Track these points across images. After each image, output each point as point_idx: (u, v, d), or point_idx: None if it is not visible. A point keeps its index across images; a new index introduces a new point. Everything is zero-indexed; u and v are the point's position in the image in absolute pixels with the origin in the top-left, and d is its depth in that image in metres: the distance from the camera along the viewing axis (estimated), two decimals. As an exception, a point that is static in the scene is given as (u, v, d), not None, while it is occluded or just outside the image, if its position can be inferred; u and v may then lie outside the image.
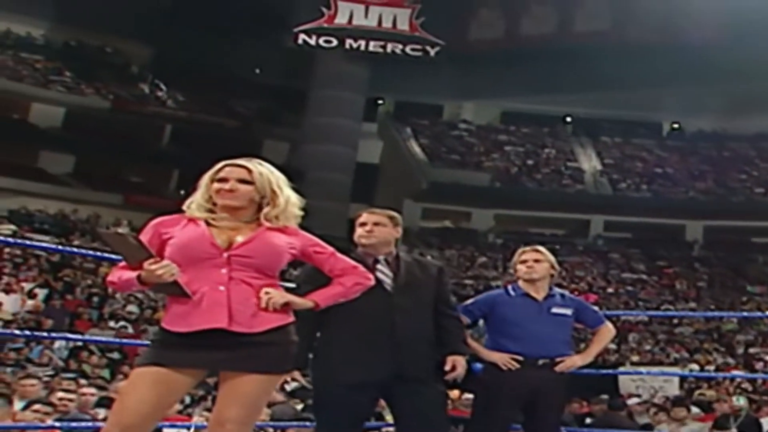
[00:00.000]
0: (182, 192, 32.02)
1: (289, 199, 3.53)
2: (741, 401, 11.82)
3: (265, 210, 3.47)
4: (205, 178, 3.50)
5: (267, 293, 3.32)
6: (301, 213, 3.57)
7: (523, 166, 36.65)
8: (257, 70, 37.09)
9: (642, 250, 34.18)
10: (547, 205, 34.15)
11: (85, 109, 31.76)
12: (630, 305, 27.75)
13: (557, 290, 5.46)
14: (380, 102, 38.25)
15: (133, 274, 3.27)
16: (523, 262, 5.31)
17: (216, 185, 3.45)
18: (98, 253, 7.53)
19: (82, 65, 33.30)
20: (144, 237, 3.40)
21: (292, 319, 3.44)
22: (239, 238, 3.37)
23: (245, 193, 3.45)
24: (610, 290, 29.92)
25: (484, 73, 35.03)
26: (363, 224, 4.65)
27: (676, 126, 39.24)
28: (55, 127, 31.48)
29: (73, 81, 32.70)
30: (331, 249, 3.59)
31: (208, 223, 3.42)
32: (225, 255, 3.33)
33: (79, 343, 15.16)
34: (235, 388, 3.29)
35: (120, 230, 3.17)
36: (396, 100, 38.75)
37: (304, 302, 3.43)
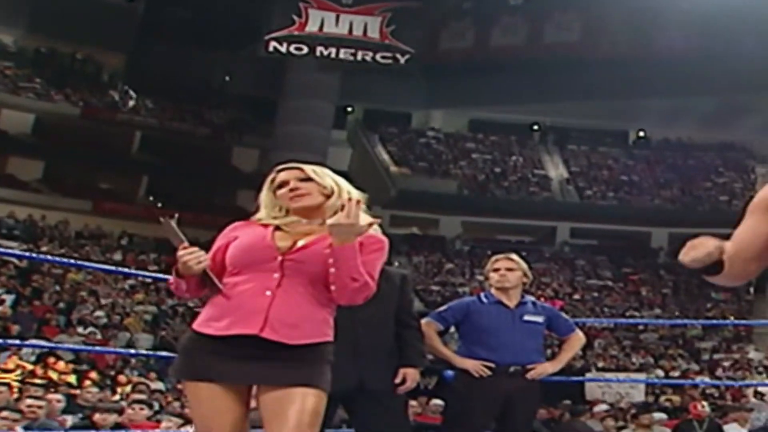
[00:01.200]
0: (151, 198, 32.22)
1: (351, 193, 3.28)
2: (707, 408, 12.11)
3: (329, 203, 3.27)
4: (264, 192, 3.35)
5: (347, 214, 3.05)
6: (365, 208, 3.27)
7: (490, 174, 36.86)
8: (227, 78, 37.18)
9: (608, 257, 34.59)
10: (514, 212, 34.37)
11: (54, 116, 31.67)
12: (596, 311, 28.13)
13: (529, 298, 5.50)
14: (349, 110, 38.39)
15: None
16: (496, 270, 5.36)
17: (281, 192, 3.28)
18: (65, 260, 7.66)
19: (52, 72, 33.21)
20: (219, 242, 3.30)
21: (330, 338, 3.21)
22: (301, 242, 3.16)
23: (312, 189, 3.26)
24: (576, 297, 30.23)
25: (452, 82, 35.23)
26: None
27: (641, 135, 39.65)
28: (25, 134, 31.36)
29: (43, 88, 32.56)
30: (378, 249, 3.27)
31: (278, 228, 3.25)
32: (279, 259, 3.12)
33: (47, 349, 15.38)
34: (276, 408, 3.05)
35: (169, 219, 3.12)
36: (365, 108, 38.88)
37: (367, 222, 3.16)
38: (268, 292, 3.06)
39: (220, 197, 33.59)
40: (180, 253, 3.09)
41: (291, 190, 3.24)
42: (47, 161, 31.18)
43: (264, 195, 3.33)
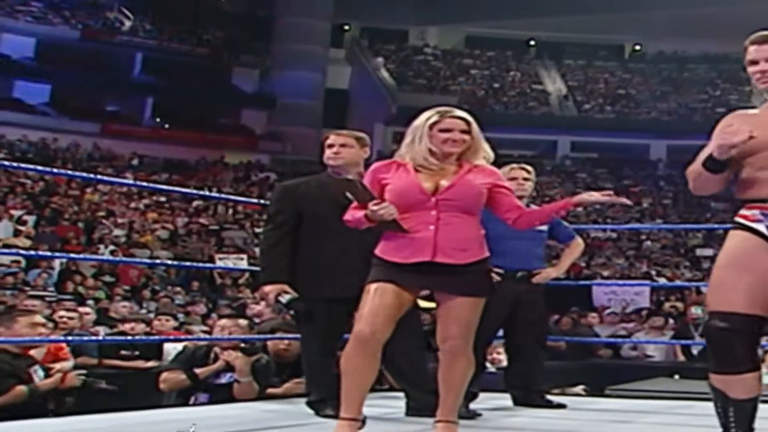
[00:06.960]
0: (158, 120, 32.45)
1: (486, 149, 3.97)
2: (699, 311, 12.59)
3: (467, 154, 3.88)
4: (424, 127, 3.82)
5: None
6: (491, 158, 4.00)
7: (489, 89, 37.09)
8: (222, -2, 37.25)
9: (608, 170, 34.93)
10: (515, 126, 34.41)
11: (55, 39, 31.73)
12: (598, 223, 27.98)
13: (532, 207, 5.46)
14: (346, 28, 38.52)
15: (362, 213, 3.70)
16: (513, 179, 5.48)
17: (442, 135, 3.79)
18: (84, 174, 8.03)
19: (48, -7, 32.85)
20: (365, 181, 3.88)
21: (488, 254, 3.90)
22: (443, 182, 3.75)
23: (465, 142, 3.83)
24: (579, 209, 30.57)
25: (447, -3, 35.40)
26: (330, 146, 4.87)
27: (637, 48, 39.85)
28: (28, 57, 31.49)
29: (41, 11, 32.41)
30: (510, 188, 4.03)
31: (415, 169, 3.80)
32: (433, 199, 3.73)
33: (72, 267, 15.57)
34: (450, 311, 3.75)
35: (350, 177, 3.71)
36: (361, 26, 38.99)
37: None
38: (431, 227, 3.72)
39: (224, 117, 33.78)
40: (374, 208, 3.63)
41: (455, 140, 3.81)
42: (53, 84, 31.30)
43: (423, 129, 3.82)
